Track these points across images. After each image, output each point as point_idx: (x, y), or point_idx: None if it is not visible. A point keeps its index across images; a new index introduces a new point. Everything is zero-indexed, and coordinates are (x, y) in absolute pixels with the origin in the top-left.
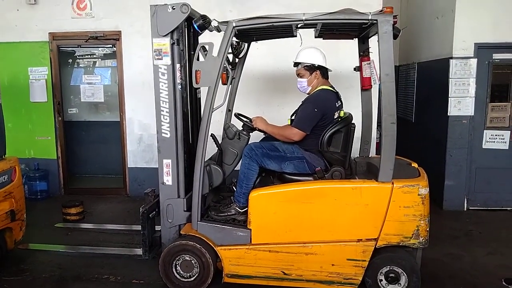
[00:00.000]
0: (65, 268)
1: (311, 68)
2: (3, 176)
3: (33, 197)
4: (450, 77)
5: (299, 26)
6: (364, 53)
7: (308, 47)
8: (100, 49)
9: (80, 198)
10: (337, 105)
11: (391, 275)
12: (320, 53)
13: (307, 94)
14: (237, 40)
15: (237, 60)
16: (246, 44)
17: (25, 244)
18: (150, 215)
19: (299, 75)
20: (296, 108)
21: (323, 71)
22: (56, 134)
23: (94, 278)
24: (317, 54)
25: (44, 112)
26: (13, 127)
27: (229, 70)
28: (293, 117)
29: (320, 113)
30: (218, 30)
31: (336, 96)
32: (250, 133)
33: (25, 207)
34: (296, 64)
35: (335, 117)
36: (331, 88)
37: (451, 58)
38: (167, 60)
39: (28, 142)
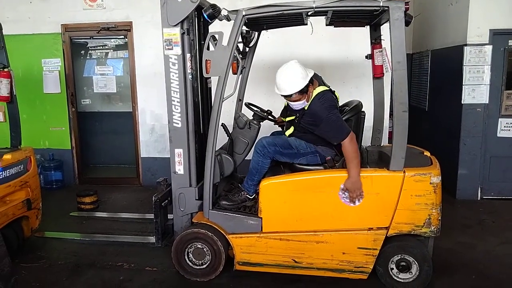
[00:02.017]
0: (80, 255)
1: (301, 90)
2: (19, 166)
3: (49, 186)
4: (464, 64)
5: (309, 14)
6: (376, 41)
7: (284, 75)
8: (112, 40)
9: (94, 187)
10: (335, 97)
11: (402, 263)
12: (299, 70)
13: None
14: (247, 29)
15: (247, 49)
16: (256, 33)
17: (41, 232)
18: (162, 204)
19: (295, 98)
20: (294, 117)
21: (311, 82)
22: (70, 125)
23: (108, 265)
24: (298, 73)
25: (58, 103)
26: (28, 118)
27: (239, 60)
28: (293, 119)
29: (337, 110)
30: (228, 19)
31: (330, 90)
32: (261, 123)
33: (41, 196)
34: (288, 95)
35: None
36: (323, 88)
37: (466, 45)
38: (178, 50)
39: (42, 133)
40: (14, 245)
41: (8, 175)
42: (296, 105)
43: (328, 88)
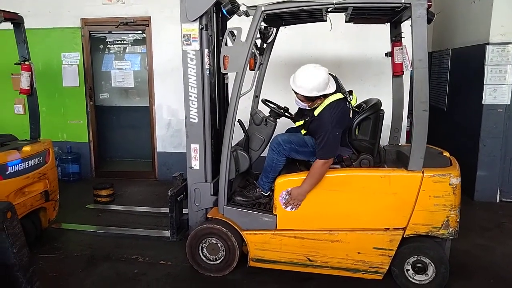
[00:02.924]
0: (95, 247)
1: (310, 99)
2: (38, 158)
3: (66, 179)
4: (485, 63)
5: (329, 10)
6: (396, 38)
7: (307, 74)
8: (130, 35)
9: (110, 180)
10: (348, 106)
11: (418, 265)
12: (322, 81)
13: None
14: (265, 25)
15: (265, 45)
16: (275, 29)
17: (58, 224)
18: (178, 199)
19: (300, 98)
20: (306, 118)
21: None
22: (87, 118)
23: (123, 258)
24: (318, 82)
25: (76, 97)
26: (47, 111)
27: (257, 56)
28: (302, 124)
29: (342, 130)
30: (247, 15)
31: (345, 99)
32: (277, 119)
33: (58, 188)
34: (294, 91)
35: (350, 115)
36: (337, 96)
37: (488, 44)
38: (196, 46)
39: (61, 126)
40: (32, 235)
41: (27, 166)
42: (298, 102)
43: (343, 97)
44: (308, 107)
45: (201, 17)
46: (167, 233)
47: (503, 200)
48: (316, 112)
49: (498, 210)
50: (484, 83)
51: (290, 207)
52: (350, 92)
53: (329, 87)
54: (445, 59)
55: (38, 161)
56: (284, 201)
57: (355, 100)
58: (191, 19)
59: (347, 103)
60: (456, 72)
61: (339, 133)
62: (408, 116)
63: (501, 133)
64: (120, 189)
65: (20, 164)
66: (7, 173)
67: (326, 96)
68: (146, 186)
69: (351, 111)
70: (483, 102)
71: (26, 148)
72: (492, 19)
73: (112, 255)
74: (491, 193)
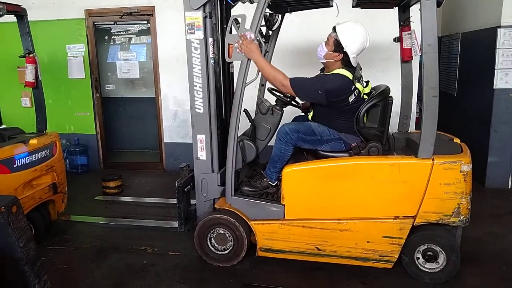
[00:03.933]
0: (104, 239)
1: (338, 47)
2: (45, 151)
3: (74, 171)
4: (497, 47)
5: None
6: (404, 23)
7: (358, 26)
8: (135, 25)
9: (118, 172)
10: (352, 89)
11: (429, 253)
12: (359, 41)
13: (321, 63)
14: (270, 11)
15: (270, 32)
16: (280, 16)
17: (67, 216)
18: (185, 189)
19: (327, 41)
20: None
21: (347, 59)
22: (94, 110)
23: (132, 249)
24: (355, 38)
25: (82, 89)
26: (54, 103)
27: (262, 43)
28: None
29: (324, 97)
30: (251, 2)
31: (352, 81)
32: (284, 108)
33: (66, 180)
34: (334, 29)
35: (350, 101)
36: (347, 74)
37: (499, 27)
38: (200, 34)
39: (68, 118)
40: (41, 228)
41: (34, 159)
42: (321, 47)
43: (350, 79)
44: (325, 59)
45: (204, 5)
46: (175, 224)
47: None
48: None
49: (510, 197)
50: (496, 68)
51: (241, 47)
52: (367, 83)
53: (356, 53)
54: (455, 44)
55: (45, 153)
56: (237, 46)
57: (368, 89)
58: (194, 7)
59: (353, 86)
60: (466, 56)
61: (321, 94)
62: (417, 103)
63: None
64: (128, 180)
65: (27, 157)
66: (14, 166)
67: (342, 63)
68: (154, 177)
69: (354, 96)
70: (494, 87)
71: (33, 141)
72: (503, 1)
73: (121, 247)
74: (502, 179)
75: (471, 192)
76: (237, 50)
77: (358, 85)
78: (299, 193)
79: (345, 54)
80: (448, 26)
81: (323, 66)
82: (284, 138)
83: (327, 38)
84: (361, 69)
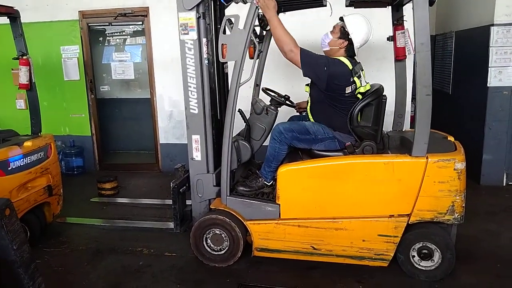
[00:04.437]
0: (100, 240)
1: (344, 34)
2: (39, 153)
3: (70, 173)
4: (490, 45)
5: None
6: (398, 22)
7: (365, 18)
8: (130, 26)
9: (114, 173)
10: (351, 80)
11: (424, 251)
12: (365, 31)
13: (324, 51)
14: None
15: (264, 32)
16: None
17: (63, 218)
18: (180, 190)
19: (332, 30)
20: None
21: (351, 48)
22: (89, 112)
23: (128, 250)
24: (361, 27)
25: (77, 90)
26: (49, 105)
27: (256, 44)
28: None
29: (326, 75)
30: (245, 2)
31: (351, 72)
32: (278, 108)
33: (62, 182)
34: (341, 19)
35: (346, 92)
36: (348, 64)
37: (492, 25)
38: (193, 35)
39: (63, 120)
40: (37, 230)
41: (29, 162)
42: (326, 36)
43: (349, 65)
44: (329, 46)
45: (198, 5)
46: (171, 225)
47: (509, 183)
48: None
49: (504, 194)
50: (489, 66)
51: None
52: (368, 84)
53: (359, 44)
54: (449, 42)
55: (40, 156)
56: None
57: (365, 89)
58: (187, 7)
59: (351, 78)
60: (460, 55)
61: (326, 72)
62: (412, 101)
63: (507, 116)
64: (124, 181)
65: (22, 160)
66: (9, 168)
67: (345, 51)
68: (150, 178)
69: (350, 89)
70: (488, 85)
71: (27, 144)
72: (496, 0)
73: (117, 248)
74: (497, 177)
75: (465, 190)
76: (254, 1)
77: (356, 79)
78: (294, 193)
79: (350, 42)
80: (442, 24)
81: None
82: (278, 137)
83: (333, 27)
84: (362, 69)
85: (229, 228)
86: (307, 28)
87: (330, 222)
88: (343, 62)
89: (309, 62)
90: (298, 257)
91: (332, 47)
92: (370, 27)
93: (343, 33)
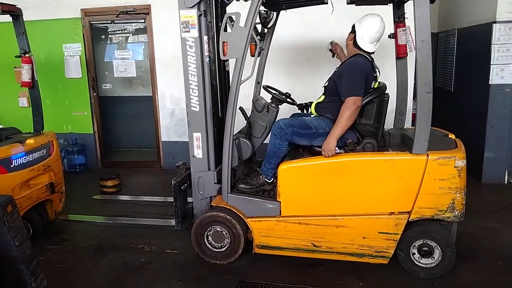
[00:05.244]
0: (102, 238)
1: (352, 27)
2: (42, 151)
3: (72, 170)
4: (492, 43)
5: None
6: (399, 19)
7: (375, 16)
8: (132, 24)
9: (116, 171)
10: (374, 75)
11: (424, 248)
12: (367, 24)
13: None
14: (265, 9)
15: (265, 30)
16: (275, 13)
17: (65, 215)
18: (182, 187)
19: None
20: (330, 76)
21: (356, 41)
22: (91, 109)
23: (130, 247)
24: (366, 21)
25: (80, 88)
26: (51, 103)
27: (257, 41)
28: (326, 85)
29: (365, 76)
30: None
31: (372, 65)
32: (279, 106)
33: (64, 180)
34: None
35: (372, 87)
36: (367, 56)
37: (495, 22)
38: (195, 33)
39: (65, 118)
40: (39, 227)
41: (31, 159)
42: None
43: (369, 58)
44: (346, 41)
45: (199, 3)
46: (172, 222)
47: (511, 181)
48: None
49: (506, 192)
50: (491, 63)
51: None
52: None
53: (364, 39)
54: (451, 40)
55: (42, 153)
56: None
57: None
58: (189, 5)
59: (372, 66)
60: (462, 52)
61: (364, 76)
62: (413, 99)
63: (509, 114)
64: (126, 179)
65: (24, 157)
66: (11, 166)
67: (353, 45)
68: (151, 176)
69: (374, 72)
70: (490, 82)
71: (30, 141)
72: None
73: (119, 245)
74: (499, 174)
75: (465, 187)
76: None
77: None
78: (295, 190)
79: (355, 35)
80: (444, 22)
81: (324, 63)
82: (279, 133)
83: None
84: (379, 70)
85: (230, 225)
86: (310, 26)
87: (331, 219)
88: (365, 56)
89: (359, 88)
90: (298, 254)
91: (347, 42)
92: (378, 24)
93: (352, 27)
